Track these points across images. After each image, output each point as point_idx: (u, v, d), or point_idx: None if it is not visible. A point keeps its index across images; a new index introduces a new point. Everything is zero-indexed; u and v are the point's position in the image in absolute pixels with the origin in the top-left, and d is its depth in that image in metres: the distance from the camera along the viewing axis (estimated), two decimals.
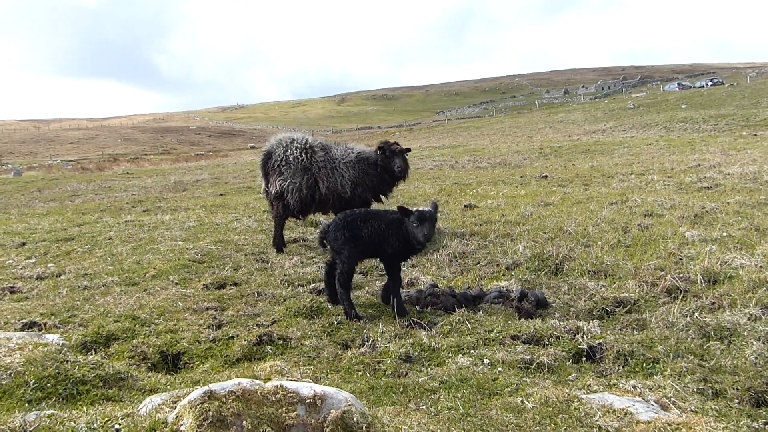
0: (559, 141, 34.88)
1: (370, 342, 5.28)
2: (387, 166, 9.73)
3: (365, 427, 2.71)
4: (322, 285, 7.25)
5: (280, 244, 9.58)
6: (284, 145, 9.72)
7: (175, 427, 2.59)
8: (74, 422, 2.70)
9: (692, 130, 34.31)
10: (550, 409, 3.78)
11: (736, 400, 4.14)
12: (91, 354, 4.66)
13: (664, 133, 34.21)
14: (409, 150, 10.09)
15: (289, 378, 3.55)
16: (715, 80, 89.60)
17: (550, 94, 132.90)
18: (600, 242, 8.58)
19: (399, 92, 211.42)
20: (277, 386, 2.73)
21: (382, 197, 10.30)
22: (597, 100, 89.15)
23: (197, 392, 2.65)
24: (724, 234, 8.61)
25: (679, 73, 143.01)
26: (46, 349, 4.07)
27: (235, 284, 7.53)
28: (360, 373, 4.60)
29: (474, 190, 16.12)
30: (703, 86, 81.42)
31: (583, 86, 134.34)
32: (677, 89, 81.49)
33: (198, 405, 2.58)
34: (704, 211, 10.44)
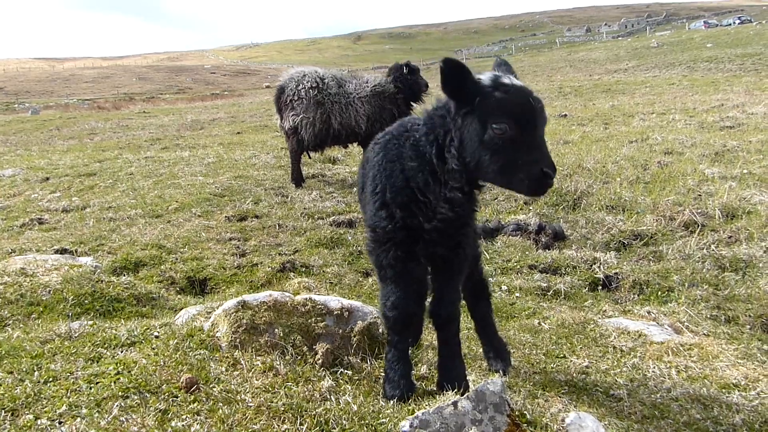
0: (579, 80, 34.16)
1: None
2: (408, 87, 9.73)
3: None
4: (342, 218, 7.38)
5: (298, 179, 9.66)
6: (296, 80, 9.62)
7: (210, 333, 2.75)
8: (115, 330, 2.88)
9: (717, 69, 33.35)
10: (567, 330, 3.92)
11: (748, 326, 4.25)
12: (123, 276, 4.85)
13: (687, 73, 33.32)
14: (418, 69, 10.07)
15: (317, 293, 3.70)
16: (743, 18, 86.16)
17: (571, 32, 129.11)
18: (619, 178, 8.56)
19: (416, 30, 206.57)
20: (306, 299, 2.87)
21: None
22: (620, 38, 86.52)
23: (231, 302, 2.79)
24: (745, 171, 8.54)
25: (706, 11, 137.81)
26: (81, 269, 4.25)
27: (257, 217, 7.68)
28: None
29: None
30: (731, 24, 78.41)
31: (605, 24, 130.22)
32: (703, 27, 78.62)
33: (232, 313, 2.73)
34: (725, 149, 10.32)
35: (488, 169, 2.36)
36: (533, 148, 2.27)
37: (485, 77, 2.42)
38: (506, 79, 2.40)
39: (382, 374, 2.64)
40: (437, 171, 2.49)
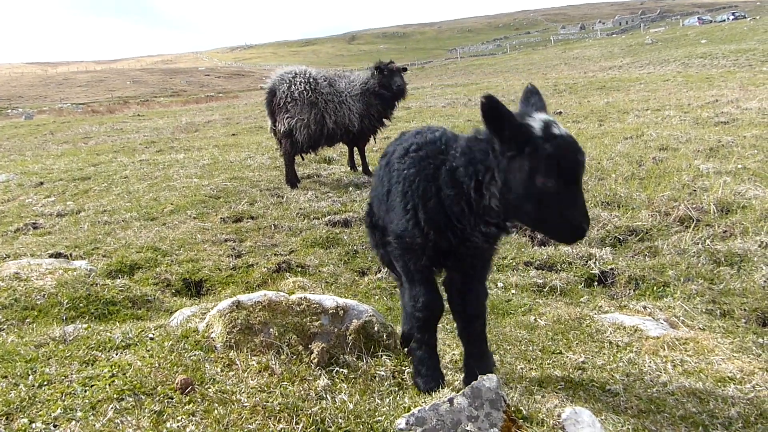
0: (574, 77, 34.21)
1: (385, 269, 5.41)
2: (386, 84, 9.77)
3: (386, 336, 2.85)
4: (338, 218, 7.38)
5: (293, 180, 9.65)
6: (287, 81, 9.49)
7: (205, 334, 2.74)
8: (110, 333, 2.87)
9: (711, 65, 33.43)
10: (562, 326, 3.92)
11: (744, 320, 4.26)
12: (118, 279, 4.84)
13: (682, 69, 33.40)
14: (405, 69, 10.15)
15: (313, 293, 3.69)
16: (737, 14, 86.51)
17: (565, 29, 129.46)
18: (614, 175, 8.57)
19: (410, 29, 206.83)
20: (301, 298, 2.87)
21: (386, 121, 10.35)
22: (614, 35, 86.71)
23: (226, 302, 2.79)
24: (739, 166, 8.56)
25: (700, 7, 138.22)
26: (75, 273, 4.24)
27: (252, 218, 7.67)
28: (377, 297, 4.75)
29: None
30: (725, 20, 78.68)
31: (599, 21, 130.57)
32: (697, 24, 78.93)
33: (227, 314, 2.72)
34: (720, 144, 10.34)
35: (529, 216, 2.44)
36: (574, 201, 2.36)
37: (536, 123, 2.38)
38: (556, 129, 2.38)
39: (380, 372, 2.64)
40: (473, 204, 2.55)
